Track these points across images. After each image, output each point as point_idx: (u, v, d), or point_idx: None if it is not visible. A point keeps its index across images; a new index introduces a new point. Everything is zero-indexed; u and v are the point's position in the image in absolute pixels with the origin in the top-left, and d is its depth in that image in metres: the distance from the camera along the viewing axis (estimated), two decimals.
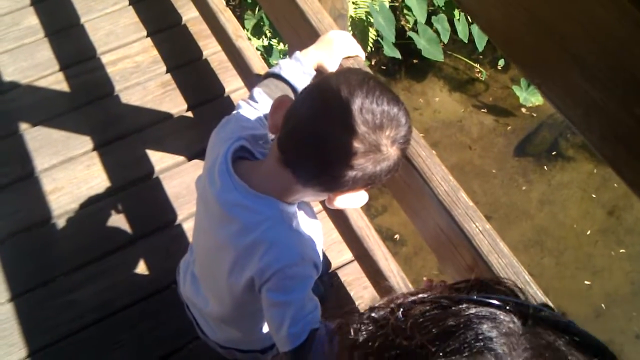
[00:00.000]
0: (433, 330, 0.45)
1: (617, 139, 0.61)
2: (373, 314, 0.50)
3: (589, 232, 2.79)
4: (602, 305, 2.60)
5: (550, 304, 0.53)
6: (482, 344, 0.43)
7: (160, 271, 1.79)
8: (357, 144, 0.80)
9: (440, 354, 0.43)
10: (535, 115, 3.18)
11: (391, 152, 0.83)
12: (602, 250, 2.75)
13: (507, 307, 0.46)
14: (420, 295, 0.50)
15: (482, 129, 3.18)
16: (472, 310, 0.45)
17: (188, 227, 1.88)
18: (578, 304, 2.61)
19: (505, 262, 0.96)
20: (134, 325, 1.71)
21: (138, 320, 1.72)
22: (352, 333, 0.49)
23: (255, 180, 0.91)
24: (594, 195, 2.90)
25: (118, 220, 1.89)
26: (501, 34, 0.73)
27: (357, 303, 1.72)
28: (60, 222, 1.89)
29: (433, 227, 1.14)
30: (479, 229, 1.00)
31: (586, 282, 2.66)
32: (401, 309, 0.48)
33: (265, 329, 1.10)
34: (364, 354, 0.48)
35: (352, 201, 0.90)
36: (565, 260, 2.75)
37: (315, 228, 1.00)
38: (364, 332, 0.49)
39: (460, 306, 0.46)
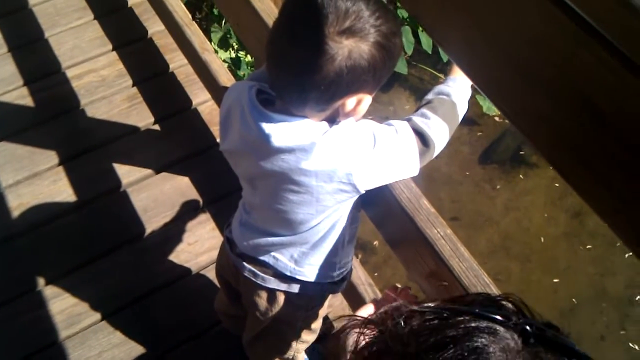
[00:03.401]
0: (430, 339, 0.45)
1: (563, 147, 0.65)
2: (373, 318, 0.50)
3: (552, 236, 2.85)
4: (568, 307, 2.66)
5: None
6: (476, 357, 0.43)
7: (129, 285, 1.79)
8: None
9: None
10: (498, 123, 3.25)
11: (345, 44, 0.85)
12: (566, 254, 2.82)
13: (510, 324, 0.45)
14: (424, 305, 0.50)
15: None
16: (473, 324, 0.45)
17: (157, 240, 1.88)
18: (544, 307, 2.66)
19: (466, 265, 0.99)
20: (102, 341, 1.69)
21: (106, 335, 1.70)
22: (355, 338, 0.50)
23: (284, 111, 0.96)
24: (557, 201, 2.97)
25: (85, 235, 1.88)
26: (457, 50, 0.77)
27: (327, 311, 1.74)
28: (26, 239, 1.87)
29: (397, 234, 1.17)
30: (440, 234, 1.03)
31: (555, 280, 2.71)
32: (402, 317, 0.48)
33: (339, 251, 1.14)
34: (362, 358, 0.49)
35: (361, 107, 0.94)
36: (530, 265, 2.80)
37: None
38: (365, 338, 0.50)
39: (461, 318, 0.46)
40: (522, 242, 2.88)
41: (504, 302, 0.49)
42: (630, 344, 2.53)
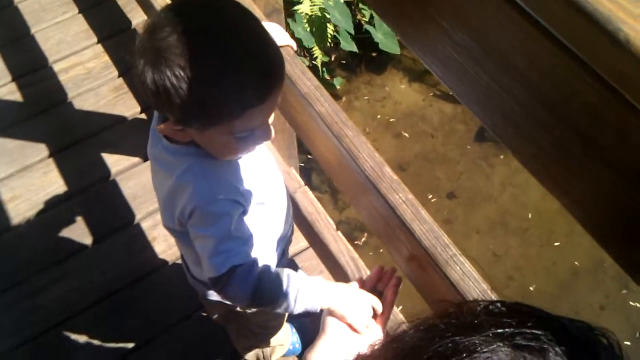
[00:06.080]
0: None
1: (506, 120, 0.67)
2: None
3: (549, 211, 2.85)
4: (567, 277, 2.67)
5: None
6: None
7: (122, 270, 1.82)
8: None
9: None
10: None
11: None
12: (563, 228, 2.81)
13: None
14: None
15: (443, 117, 3.23)
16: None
17: (147, 225, 1.91)
18: (544, 280, 2.67)
19: (426, 228, 1.01)
20: (98, 325, 1.73)
21: (101, 320, 1.74)
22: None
23: None
24: None
25: (77, 224, 1.92)
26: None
27: None
28: (20, 230, 1.92)
29: (365, 203, 1.19)
30: (402, 199, 1.04)
31: (556, 244, 2.71)
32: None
33: None
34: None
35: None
36: (528, 239, 2.81)
37: (245, 165, 1.00)
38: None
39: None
40: (519, 218, 2.88)
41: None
42: (631, 303, 2.53)
